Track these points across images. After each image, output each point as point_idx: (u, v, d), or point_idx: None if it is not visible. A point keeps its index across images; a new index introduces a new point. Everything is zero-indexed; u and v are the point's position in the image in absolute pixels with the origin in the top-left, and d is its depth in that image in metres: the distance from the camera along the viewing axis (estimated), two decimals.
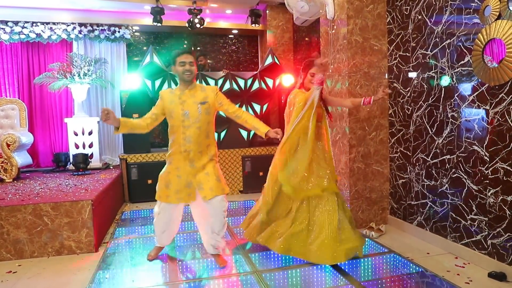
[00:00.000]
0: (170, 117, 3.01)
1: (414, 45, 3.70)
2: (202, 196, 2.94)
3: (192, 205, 3.16)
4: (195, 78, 3.04)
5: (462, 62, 3.12)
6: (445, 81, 3.32)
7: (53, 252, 3.54)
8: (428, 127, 3.55)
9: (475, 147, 3.02)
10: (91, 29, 6.44)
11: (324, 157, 3.27)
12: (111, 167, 6.11)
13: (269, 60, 6.09)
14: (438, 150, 3.44)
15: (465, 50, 3.09)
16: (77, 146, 5.93)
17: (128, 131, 2.98)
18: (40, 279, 3.06)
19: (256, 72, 6.24)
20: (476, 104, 3.00)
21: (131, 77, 5.93)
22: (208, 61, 7.01)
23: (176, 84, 5.89)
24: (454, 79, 3.22)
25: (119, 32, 6.57)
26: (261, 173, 6.01)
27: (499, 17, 2.73)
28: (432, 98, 3.49)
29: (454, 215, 3.29)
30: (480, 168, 2.98)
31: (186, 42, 7.17)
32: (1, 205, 3.46)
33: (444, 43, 3.31)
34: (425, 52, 3.55)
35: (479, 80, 2.93)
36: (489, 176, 2.90)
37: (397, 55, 3.94)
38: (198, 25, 6.19)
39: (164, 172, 3.10)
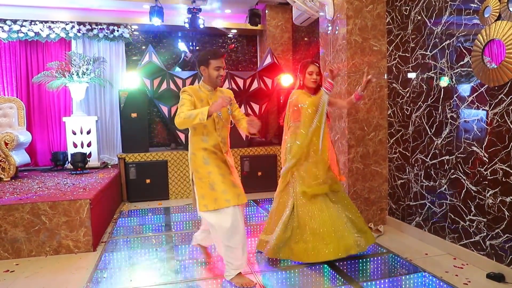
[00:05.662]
0: None
1: (413, 45, 3.70)
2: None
3: None
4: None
5: (462, 62, 3.12)
6: (445, 81, 3.32)
7: (51, 251, 3.52)
8: (427, 127, 3.55)
9: (474, 148, 3.02)
10: (90, 28, 6.42)
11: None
12: (110, 166, 6.10)
13: (268, 60, 6.09)
14: (437, 150, 3.44)
15: (464, 51, 3.09)
16: (75, 145, 5.92)
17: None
18: (38, 278, 3.05)
19: (255, 72, 6.25)
20: (476, 105, 3.00)
21: (130, 76, 5.93)
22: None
23: (175, 84, 5.88)
24: (453, 80, 3.22)
25: (118, 31, 6.55)
26: (259, 173, 6.01)
27: (498, 18, 2.73)
28: (431, 99, 3.49)
29: (452, 216, 3.29)
30: (479, 169, 2.98)
31: (185, 41, 7.15)
32: None
33: (444, 44, 3.30)
34: (424, 52, 3.55)
35: (479, 81, 2.93)
36: (488, 177, 2.90)
37: (397, 56, 3.94)
38: (200, 26, 6.19)
39: (203, 175, 2.75)
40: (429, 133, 3.52)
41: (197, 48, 7.24)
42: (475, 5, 2.95)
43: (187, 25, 6.26)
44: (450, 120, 3.27)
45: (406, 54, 3.80)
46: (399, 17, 3.88)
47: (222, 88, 3.04)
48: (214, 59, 2.77)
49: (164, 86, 5.87)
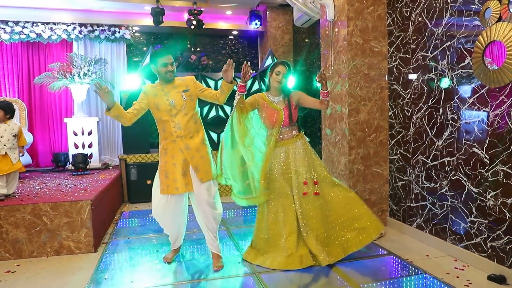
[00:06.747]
0: (156, 109, 3.04)
1: (414, 47, 3.70)
2: (199, 178, 3.03)
3: (191, 199, 3.19)
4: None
5: (463, 64, 3.12)
6: (445, 83, 3.32)
7: (52, 252, 3.53)
8: (428, 129, 3.55)
9: (475, 150, 3.02)
10: (91, 29, 6.44)
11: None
12: (111, 167, 6.10)
13: (269, 61, 6.09)
14: (438, 152, 3.44)
15: (465, 52, 3.09)
16: (76, 146, 5.93)
17: (116, 116, 2.90)
18: (39, 279, 3.05)
19: (256, 73, 6.25)
20: (476, 106, 3.00)
21: (131, 77, 5.93)
22: (210, 62, 7.03)
23: None
24: (454, 81, 3.22)
25: (119, 32, 6.57)
26: None
27: (499, 19, 2.73)
28: (432, 100, 3.49)
29: (453, 218, 3.28)
30: (480, 170, 2.98)
31: (187, 42, 7.17)
32: (0, 205, 3.46)
33: (445, 45, 3.31)
34: (425, 54, 3.55)
35: (479, 82, 2.93)
36: (489, 179, 2.90)
37: (397, 57, 3.94)
38: (193, 27, 6.22)
39: (161, 164, 3.10)
40: (430, 134, 3.52)
41: (198, 49, 7.25)
42: (476, 7, 2.95)
43: (187, 25, 6.27)
44: (451, 121, 3.27)
45: (407, 56, 3.80)
46: (399, 19, 3.89)
47: (181, 77, 3.21)
48: (161, 57, 2.99)
49: None
